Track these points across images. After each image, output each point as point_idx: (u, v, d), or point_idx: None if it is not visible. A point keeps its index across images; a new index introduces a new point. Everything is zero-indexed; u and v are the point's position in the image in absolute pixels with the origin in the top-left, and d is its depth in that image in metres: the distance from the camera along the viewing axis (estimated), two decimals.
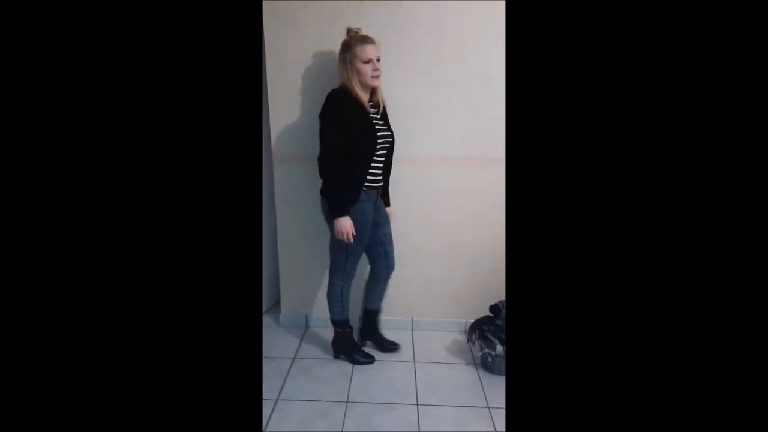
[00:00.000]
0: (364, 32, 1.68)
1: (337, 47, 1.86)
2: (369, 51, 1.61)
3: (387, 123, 1.77)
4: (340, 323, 1.96)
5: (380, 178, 1.79)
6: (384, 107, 1.77)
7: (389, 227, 1.92)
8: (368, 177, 1.72)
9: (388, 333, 2.11)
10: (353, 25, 1.69)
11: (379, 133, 1.69)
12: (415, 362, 1.99)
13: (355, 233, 1.70)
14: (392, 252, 1.94)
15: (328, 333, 2.21)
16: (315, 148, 2.00)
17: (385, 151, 1.75)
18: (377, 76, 1.64)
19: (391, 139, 1.76)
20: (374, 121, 1.69)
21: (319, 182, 2.03)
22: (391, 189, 1.95)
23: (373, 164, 1.72)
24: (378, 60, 1.64)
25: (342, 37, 1.67)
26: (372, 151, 1.70)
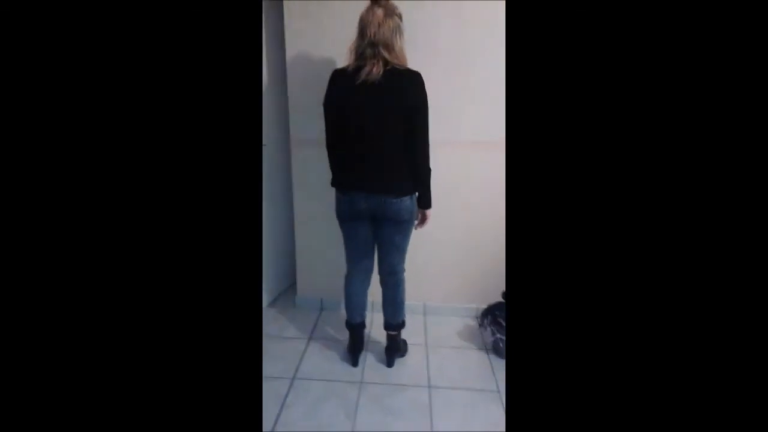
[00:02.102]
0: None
1: (354, 32, 1.85)
2: None
3: None
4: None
5: None
6: None
7: None
8: None
9: None
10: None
11: None
12: (427, 346, 2.03)
13: None
14: None
15: (343, 315, 2.26)
16: None
17: None
18: None
19: None
20: None
21: None
22: None
23: None
24: None
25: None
26: None
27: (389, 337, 1.88)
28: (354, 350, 1.89)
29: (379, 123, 1.51)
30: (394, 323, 1.85)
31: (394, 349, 1.88)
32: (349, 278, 1.82)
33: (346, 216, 1.67)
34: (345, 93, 1.52)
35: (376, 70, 1.45)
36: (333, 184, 1.68)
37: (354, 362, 1.89)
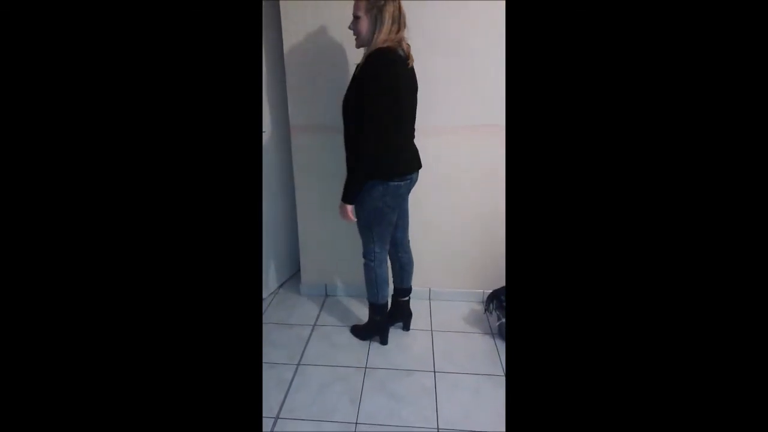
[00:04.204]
0: None
1: (350, 18, 1.83)
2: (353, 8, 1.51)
3: (350, 89, 1.58)
4: None
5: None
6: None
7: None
8: None
9: None
10: None
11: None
12: (432, 331, 2.02)
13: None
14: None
15: (347, 302, 2.27)
16: (331, 118, 2.01)
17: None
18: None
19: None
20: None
21: (337, 151, 2.04)
22: None
23: None
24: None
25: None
26: None
27: (404, 304, 1.99)
28: (384, 329, 1.93)
29: (415, 103, 1.66)
30: (409, 286, 1.97)
31: (410, 313, 2.02)
32: (379, 262, 1.80)
33: (397, 202, 1.67)
34: (404, 78, 1.53)
35: (412, 56, 1.56)
36: (390, 174, 1.58)
37: (386, 340, 1.93)
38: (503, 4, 1.79)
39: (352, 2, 1.51)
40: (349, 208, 1.61)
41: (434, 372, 1.75)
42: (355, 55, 1.85)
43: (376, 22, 1.47)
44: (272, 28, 2.01)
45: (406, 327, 2.02)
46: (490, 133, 1.95)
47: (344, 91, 1.63)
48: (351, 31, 1.55)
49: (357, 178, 1.55)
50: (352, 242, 2.21)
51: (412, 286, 2.01)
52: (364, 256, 1.81)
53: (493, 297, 1.98)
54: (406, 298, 1.99)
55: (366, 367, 1.78)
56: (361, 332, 1.97)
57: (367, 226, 1.71)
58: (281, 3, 1.88)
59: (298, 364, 1.81)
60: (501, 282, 2.02)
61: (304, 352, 1.89)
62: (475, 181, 2.04)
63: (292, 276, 2.52)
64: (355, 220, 1.66)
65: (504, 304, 1.91)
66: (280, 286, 2.45)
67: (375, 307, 1.89)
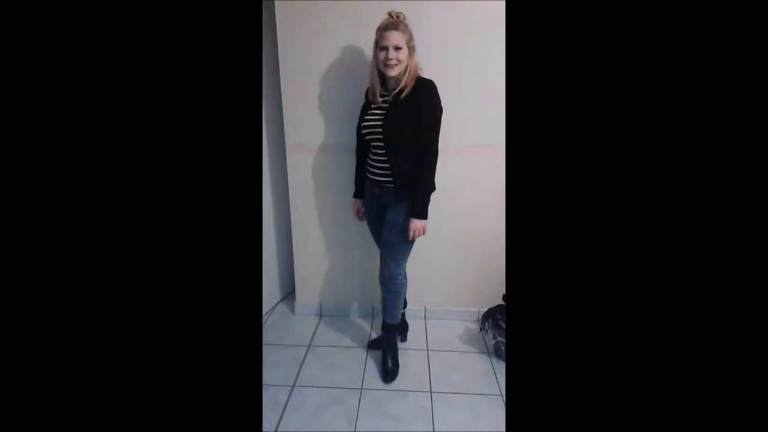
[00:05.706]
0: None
1: (350, 38, 1.87)
2: (384, 37, 1.57)
3: (389, 112, 1.61)
4: None
5: (379, 171, 1.70)
6: (402, 96, 1.59)
7: (391, 234, 1.73)
8: (368, 167, 1.76)
9: None
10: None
11: (363, 123, 1.69)
12: (428, 351, 2.01)
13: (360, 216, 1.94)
14: (387, 258, 1.77)
15: (342, 322, 2.25)
16: (328, 137, 2.03)
17: (374, 142, 1.67)
18: (389, 65, 1.56)
19: (378, 130, 1.62)
20: (370, 109, 1.67)
21: (333, 171, 2.07)
22: None
23: (370, 154, 1.73)
24: (397, 48, 1.55)
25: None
26: (359, 139, 1.78)
27: (402, 316, 2.05)
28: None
29: None
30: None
31: (406, 323, 2.12)
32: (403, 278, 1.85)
33: None
34: None
35: None
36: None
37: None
38: (503, 11, 1.84)
39: (349, 19, 1.52)
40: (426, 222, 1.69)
41: (430, 392, 1.74)
42: (352, 74, 1.89)
43: (411, 51, 1.60)
44: (267, 48, 2.05)
45: (404, 338, 2.07)
46: (484, 153, 1.98)
47: (343, 110, 1.66)
48: (347, 51, 1.60)
49: (428, 195, 1.66)
50: (347, 262, 2.22)
51: (411, 305, 2.02)
52: (395, 277, 1.78)
53: (489, 315, 1.98)
54: (404, 310, 2.04)
55: (362, 388, 1.76)
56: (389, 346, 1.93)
57: (409, 244, 1.74)
58: (277, 18, 1.91)
59: (293, 386, 1.78)
60: (496, 300, 2.02)
61: (299, 373, 1.87)
62: (469, 200, 2.06)
63: (287, 296, 2.51)
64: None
65: (499, 322, 1.91)
66: (275, 306, 2.43)
67: (393, 328, 1.91)
